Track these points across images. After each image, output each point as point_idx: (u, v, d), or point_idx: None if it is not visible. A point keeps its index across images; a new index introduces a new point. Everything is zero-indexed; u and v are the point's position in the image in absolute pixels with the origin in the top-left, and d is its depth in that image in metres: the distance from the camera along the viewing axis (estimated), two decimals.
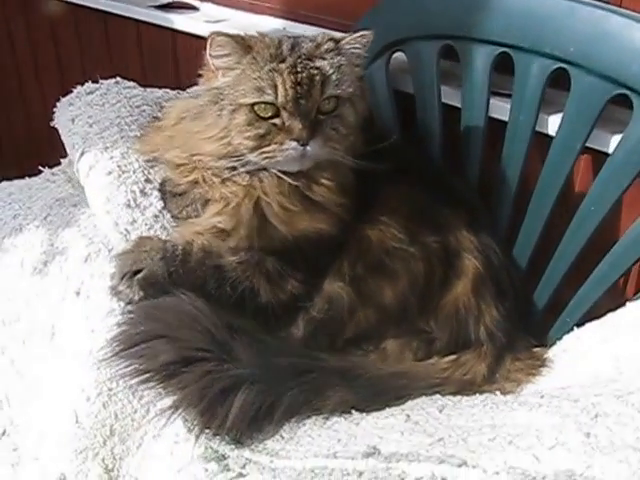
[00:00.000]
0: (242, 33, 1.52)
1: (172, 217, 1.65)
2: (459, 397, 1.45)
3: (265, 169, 1.51)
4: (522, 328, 1.72)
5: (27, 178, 1.96)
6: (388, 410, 1.41)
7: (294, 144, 1.45)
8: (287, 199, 1.51)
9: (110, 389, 1.49)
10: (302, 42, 1.53)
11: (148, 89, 1.96)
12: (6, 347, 1.71)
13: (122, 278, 1.48)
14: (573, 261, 1.75)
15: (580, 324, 1.67)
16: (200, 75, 1.57)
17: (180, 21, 2.56)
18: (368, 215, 1.59)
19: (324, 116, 1.49)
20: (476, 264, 1.62)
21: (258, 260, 1.52)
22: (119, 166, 1.69)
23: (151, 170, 1.71)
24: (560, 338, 1.70)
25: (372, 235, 1.58)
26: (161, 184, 1.69)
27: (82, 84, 1.88)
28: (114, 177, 1.67)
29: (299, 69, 1.46)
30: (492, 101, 1.85)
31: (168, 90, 1.98)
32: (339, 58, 1.52)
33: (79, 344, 1.53)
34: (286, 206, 1.51)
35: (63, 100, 1.91)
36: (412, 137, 1.90)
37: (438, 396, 1.46)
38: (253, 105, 1.46)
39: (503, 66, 1.82)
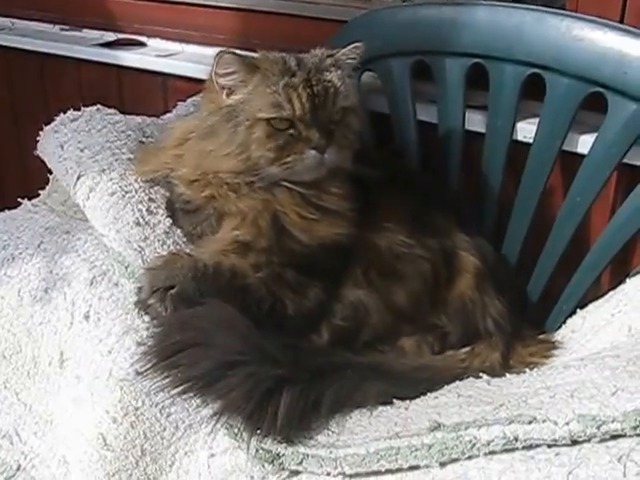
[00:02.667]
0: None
1: (184, 235, 1.66)
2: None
3: (277, 184, 1.54)
4: (523, 318, 1.79)
5: (6, 211, 1.92)
6: (433, 394, 1.44)
7: (313, 152, 1.50)
8: (303, 209, 1.55)
9: (136, 408, 1.47)
10: (305, 58, 1.58)
11: (127, 115, 1.97)
12: (9, 380, 1.67)
13: (153, 292, 1.47)
14: (563, 252, 1.81)
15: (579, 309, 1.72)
16: (165, 102, 1.63)
17: (127, 57, 2.53)
18: (371, 222, 1.63)
19: (335, 125, 1.55)
20: (475, 261, 1.69)
21: (279, 273, 1.53)
22: (120, 187, 1.70)
23: (152, 190, 1.72)
24: (560, 325, 1.77)
25: (381, 242, 1.62)
26: (167, 202, 1.71)
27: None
28: (118, 197, 1.68)
29: (314, 82, 1.52)
30: (468, 114, 1.89)
31: (146, 117, 2.00)
32: (340, 71, 1.58)
33: (96, 367, 1.50)
34: (304, 215, 1.54)
35: (46, 128, 1.90)
36: (390, 152, 1.96)
37: (471, 378, 1.49)
38: (269, 119, 1.50)
39: (476, 80, 1.87)
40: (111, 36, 2.64)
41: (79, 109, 1.90)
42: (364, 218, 1.61)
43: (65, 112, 1.91)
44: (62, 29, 2.77)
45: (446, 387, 1.46)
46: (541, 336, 1.77)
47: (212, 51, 1.55)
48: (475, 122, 1.92)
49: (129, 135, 1.89)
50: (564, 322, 1.75)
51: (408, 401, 1.43)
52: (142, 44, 2.58)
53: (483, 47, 1.83)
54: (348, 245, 1.58)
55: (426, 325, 1.66)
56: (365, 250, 1.61)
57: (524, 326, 1.77)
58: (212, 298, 1.45)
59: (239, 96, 1.54)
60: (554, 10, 1.78)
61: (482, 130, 1.88)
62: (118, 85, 2.65)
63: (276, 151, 1.50)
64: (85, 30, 2.73)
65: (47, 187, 1.93)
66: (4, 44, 2.80)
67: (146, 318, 1.50)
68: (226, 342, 1.41)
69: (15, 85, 2.93)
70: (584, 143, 1.78)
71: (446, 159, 1.94)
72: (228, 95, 1.55)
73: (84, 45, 2.63)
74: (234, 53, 1.52)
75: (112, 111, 1.95)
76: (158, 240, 1.63)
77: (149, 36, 2.58)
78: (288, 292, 1.53)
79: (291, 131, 1.51)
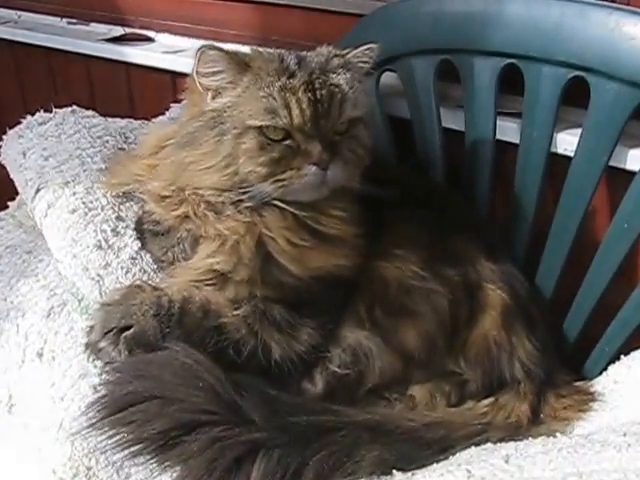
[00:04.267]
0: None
1: (154, 260, 1.48)
2: (516, 443, 1.25)
3: (267, 203, 1.36)
4: (557, 362, 1.60)
5: None
6: (440, 466, 1.21)
7: (314, 169, 1.31)
8: (294, 234, 1.36)
9: (89, 468, 1.26)
10: (307, 57, 1.40)
11: (109, 119, 1.77)
12: None
13: (105, 333, 1.31)
14: (607, 285, 1.61)
15: (622, 353, 1.56)
16: (175, 101, 1.47)
17: (135, 54, 2.39)
18: (380, 249, 1.45)
19: (340, 137, 1.37)
20: (502, 295, 1.50)
21: (264, 310, 1.37)
22: (84, 203, 1.52)
23: (122, 207, 1.55)
24: (600, 372, 1.59)
25: (388, 274, 1.44)
26: (137, 222, 1.54)
27: None
28: (79, 215, 1.49)
29: (317, 85, 1.34)
30: (499, 122, 1.71)
31: (132, 120, 1.80)
32: (350, 74, 1.40)
33: (46, 415, 1.31)
34: (294, 241, 1.36)
35: (10, 132, 1.71)
36: (411, 165, 1.77)
37: (489, 444, 1.28)
38: (262, 127, 1.32)
39: (509, 83, 1.70)
40: (119, 31, 2.51)
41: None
42: (372, 245, 1.44)
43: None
44: (69, 22, 2.66)
45: (457, 457, 1.24)
46: (578, 384, 1.58)
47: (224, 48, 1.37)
48: (508, 131, 1.73)
49: (106, 141, 1.69)
50: (605, 369, 1.57)
51: (410, 474, 1.21)
52: (150, 39, 2.45)
53: (518, 45, 1.64)
54: (350, 278, 1.41)
55: (442, 372, 1.48)
56: (370, 283, 1.44)
57: (558, 372, 1.58)
58: (177, 341, 1.29)
59: (226, 99, 1.36)
60: (600, 2, 1.58)
61: (515, 140, 1.70)
62: (127, 82, 2.52)
63: (269, 166, 1.32)
64: (93, 24, 2.61)
65: (17, 198, 1.75)
66: (10, 38, 2.70)
67: (98, 363, 1.31)
68: (189, 397, 1.23)
69: (24, 80, 2.84)
70: (634, 158, 1.59)
71: (473, 173, 1.77)
72: (213, 97, 1.37)
73: (91, 40, 2.50)
74: (219, 49, 1.34)
75: (89, 113, 1.75)
76: (122, 267, 1.45)
77: (157, 31, 2.45)
78: (274, 333, 1.36)
79: (287, 142, 1.33)
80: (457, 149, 1.78)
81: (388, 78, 1.86)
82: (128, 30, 2.51)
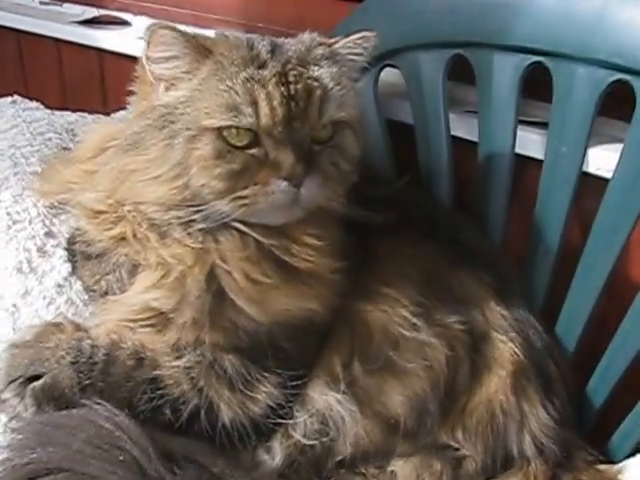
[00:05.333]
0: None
1: (85, 289, 1.30)
2: None
3: (226, 225, 1.17)
4: (578, 436, 1.40)
5: None
6: None
7: (284, 184, 1.11)
8: (256, 267, 1.17)
9: None
10: (284, 44, 1.21)
11: (57, 112, 1.58)
12: None
13: (10, 382, 1.13)
14: None
15: None
16: (130, 92, 1.24)
17: (108, 38, 2.21)
18: (364, 287, 1.26)
19: (320, 146, 1.17)
20: (513, 348, 1.30)
21: (212, 361, 1.18)
22: (9, 213, 1.35)
23: (55, 220, 1.38)
24: (632, 452, 1.39)
25: (372, 319, 1.25)
26: (69, 240, 1.35)
27: None
28: (1, 229, 1.33)
29: (291, 78, 1.14)
30: (520, 132, 1.51)
31: (85, 114, 1.60)
32: (337, 68, 1.20)
33: None
34: (255, 277, 1.16)
35: None
36: (412, 179, 1.53)
37: None
38: (222, 130, 1.12)
39: (534, 86, 1.51)
40: (93, 12, 2.34)
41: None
42: (354, 282, 1.25)
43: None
44: (41, 2, 2.49)
45: None
46: (602, 467, 1.37)
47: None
48: (530, 144, 1.53)
49: (48, 139, 1.50)
50: (637, 448, 1.39)
51: None
52: (126, 23, 2.25)
53: (547, 40, 1.43)
54: (324, 324, 1.23)
55: (432, 444, 1.28)
56: (349, 331, 1.25)
57: (578, 450, 1.37)
58: (98, 397, 1.11)
59: (180, 92, 1.16)
60: None
61: (539, 155, 1.51)
62: (100, 70, 2.36)
63: (228, 179, 1.12)
64: (66, 5, 2.44)
65: None
66: None
67: (2, 418, 1.12)
68: (104, 473, 1.04)
69: None
70: None
71: (486, 193, 1.57)
72: (167, 89, 1.17)
73: (61, 22, 2.33)
74: (174, 28, 1.13)
75: (33, 104, 1.57)
76: (44, 297, 1.27)
77: (135, 14, 2.29)
78: (224, 390, 1.17)
79: (253, 151, 1.12)
80: (468, 163, 1.60)
81: (389, 75, 1.67)
82: (103, 12, 2.33)
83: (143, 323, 1.18)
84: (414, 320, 1.25)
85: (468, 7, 1.51)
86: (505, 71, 1.49)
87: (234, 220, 1.15)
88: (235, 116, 1.11)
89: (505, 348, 1.30)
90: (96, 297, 1.27)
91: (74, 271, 1.32)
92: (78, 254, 1.30)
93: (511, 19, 1.45)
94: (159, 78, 1.17)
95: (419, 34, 1.57)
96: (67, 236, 1.34)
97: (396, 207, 1.32)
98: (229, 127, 1.11)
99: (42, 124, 1.55)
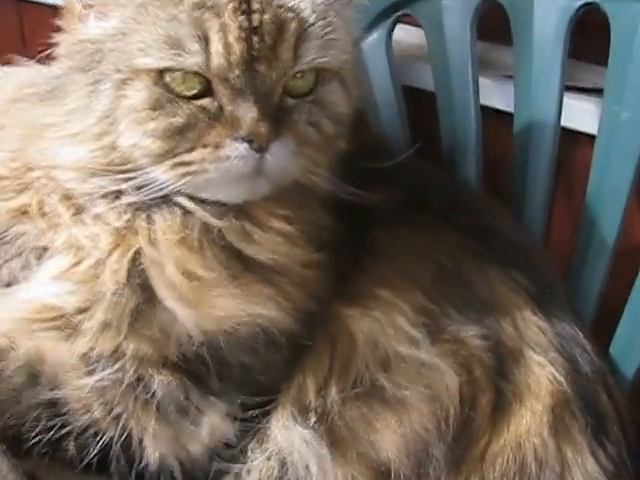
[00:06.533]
0: None
1: None
2: None
3: (166, 201, 0.97)
4: None
5: None
6: None
7: (243, 147, 0.91)
8: (195, 256, 0.97)
9: None
10: None
11: None
12: None
13: None
14: None
15: None
16: (57, 30, 1.01)
17: None
18: (354, 287, 1.06)
19: (295, 100, 0.98)
20: (553, 374, 1.08)
21: (136, 380, 0.98)
22: None
23: None
24: None
25: (358, 329, 1.04)
26: None
27: None
28: None
29: (255, 5, 0.93)
30: (567, 100, 1.32)
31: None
32: (323, 3, 0.99)
33: None
34: (191, 270, 0.96)
35: None
36: (430, 152, 1.39)
37: None
38: (162, 72, 0.92)
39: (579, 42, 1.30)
40: None
41: None
42: (339, 281, 1.05)
43: None
44: None
45: None
46: None
47: None
48: (580, 115, 1.37)
49: None
50: None
51: None
52: None
53: None
54: (294, 334, 1.01)
55: None
56: (329, 344, 1.04)
57: None
58: None
59: (111, 22, 0.96)
60: None
61: (591, 129, 1.33)
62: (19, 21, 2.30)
63: (167, 138, 0.93)
64: None
65: None
66: None
67: None
68: None
69: None
70: None
71: (523, 174, 1.38)
72: (98, 20, 0.97)
73: None
74: None
75: None
76: None
77: None
78: (151, 420, 0.97)
79: (203, 102, 0.93)
80: (501, 138, 1.45)
81: (404, 32, 1.52)
82: None
83: (43, 325, 0.98)
84: (414, 332, 1.03)
85: None
86: (548, 18, 1.30)
87: (177, 194, 0.95)
88: (178, 54, 0.90)
89: (543, 373, 1.08)
90: None
91: None
92: None
93: None
94: (88, 4, 0.97)
95: None
96: None
97: (405, 187, 1.12)
98: (170, 69, 0.91)
99: None
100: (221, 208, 0.97)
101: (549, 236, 1.42)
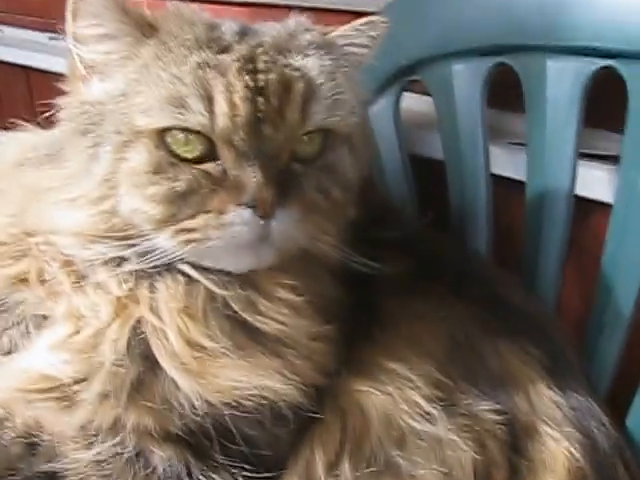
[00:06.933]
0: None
1: None
2: None
3: (170, 267, 0.93)
4: None
5: None
6: None
7: (247, 214, 0.87)
8: (199, 325, 0.92)
9: None
10: (259, 28, 0.98)
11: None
12: None
13: None
14: None
15: None
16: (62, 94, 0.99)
17: None
18: (364, 359, 1.01)
19: (302, 166, 0.93)
20: (569, 449, 1.02)
21: (137, 454, 0.92)
22: None
23: None
24: None
25: (371, 404, 0.99)
26: None
27: None
28: None
29: (261, 65, 0.90)
30: (581, 168, 1.27)
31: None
32: (331, 60, 0.96)
33: None
34: (195, 339, 0.91)
35: None
36: (438, 224, 1.32)
37: None
38: (164, 134, 0.88)
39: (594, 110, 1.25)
40: None
41: None
42: (351, 352, 1.00)
43: None
44: (51, 38, 2.38)
45: None
46: None
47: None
48: (594, 182, 1.31)
49: None
50: None
51: None
52: None
53: (620, 37, 1.17)
54: (302, 408, 0.95)
55: None
56: (339, 419, 0.98)
57: None
58: None
59: (113, 84, 0.93)
60: None
61: (606, 198, 1.29)
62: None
63: (169, 203, 0.89)
64: None
65: None
66: None
67: None
68: None
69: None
70: None
71: (536, 243, 1.33)
72: (100, 81, 0.94)
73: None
74: None
75: None
76: None
77: None
78: None
79: (207, 166, 0.89)
80: (511, 206, 1.39)
81: (412, 102, 1.48)
82: None
83: (41, 396, 0.92)
84: (429, 407, 0.98)
85: (513, 2, 1.28)
86: (562, 82, 1.25)
87: (180, 261, 0.91)
88: (180, 113, 0.86)
89: (558, 449, 1.02)
90: None
91: None
92: None
93: (572, 13, 1.22)
94: (89, 66, 0.94)
95: (452, 39, 1.35)
96: None
97: (415, 256, 1.08)
98: (172, 129, 0.87)
99: None
100: (226, 277, 0.93)
101: (561, 307, 1.34)
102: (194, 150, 0.88)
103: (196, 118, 0.86)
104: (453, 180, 1.39)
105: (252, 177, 0.86)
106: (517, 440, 1.01)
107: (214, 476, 0.92)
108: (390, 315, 1.04)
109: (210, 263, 0.91)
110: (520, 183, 1.36)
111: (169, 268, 0.92)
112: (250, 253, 0.90)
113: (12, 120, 1.16)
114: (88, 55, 0.93)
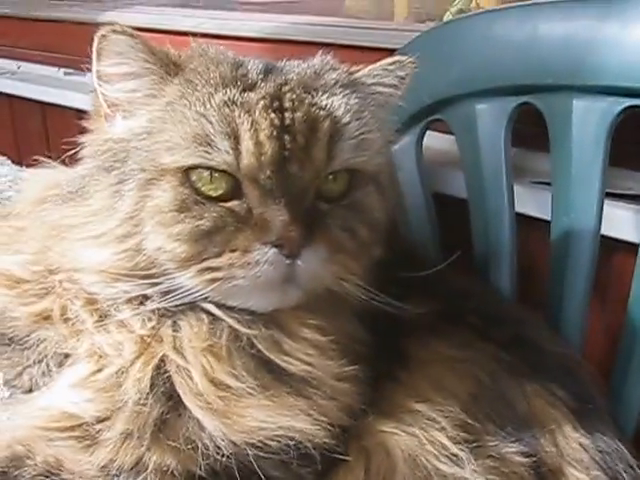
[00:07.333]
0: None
1: (4, 383, 1.00)
2: None
3: (192, 306, 0.91)
4: None
5: None
6: None
7: (272, 253, 0.85)
8: (223, 364, 0.89)
9: None
10: (285, 66, 0.98)
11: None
12: None
13: None
14: None
15: None
16: (81, 132, 0.99)
17: None
18: (389, 401, 0.98)
19: (327, 205, 0.92)
20: None
21: None
22: None
23: None
24: None
25: (396, 445, 0.94)
26: None
27: None
28: None
29: (287, 104, 0.89)
30: (607, 207, 1.25)
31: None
32: (357, 100, 0.95)
33: None
34: (220, 379, 0.88)
35: None
36: (462, 264, 1.26)
37: None
38: (189, 172, 0.87)
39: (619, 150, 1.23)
40: None
41: None
42: (376, 394, 0.96)
43: None
44: (66, 73, 2.46)
45: None
46: None
47: None
48: (620, 223, 1.28)
49: (7, 197, 1.31)
50: None
51: None
52: None
53: None
54: (327, 449, 0.90)
55: None
56: (364, 460, 0.93)
57: None
58: None
59: (137, 122, 0.92)
60: None
61: (633, 239, 1.26)
62: None
63: (194, 241, 0.87)
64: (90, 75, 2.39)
65: None
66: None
67: None
68: None
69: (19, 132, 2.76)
70: None
71: (561, 283, 1.29)
72: (124, 118, 0.93)
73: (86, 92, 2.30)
74: (134, 34, 0.90)
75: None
76: None
77: None
78: None
79: (232, 204, 0.87)
80: (536, 246, 1.38)
81: (434, 141, 1.46)
82: None
83: (62, 435, 0.89)
84: (455, 449, 0.94)
85: (538, 42, 1.25)
86: (588, 122, 1.22)
87: (204, 300, 0.89)
88: (206, 151, 0.85)
89: None
90: (18, 395, 0.98)
91: None
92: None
93: (597, 52, 1.19)
94: (113, 104, 0.93)
95: (475, 79, 1.32)
96: None
97: (438, 297, 1.05)
98: (197, 167, 0.86)
99: (3, 181, 1.39)
100: (250, 316, 0.91)
101: (587, 349, 1.30)
102: (219, 188, 0.86)
103: (222, 156, 0.85)
104: (476, 219, 1.37)
105: (278, 216, 0.84)
106: None
107: None
108: (415, 356, 1.02)
109: (234, 302, 0.89)
110: (544, 222, 1.33)
111: (192, 307, 0.90)
112: (275, 292, 0.88)
113: (35, 157, 1.14)
114: (113, 93, 0.92)
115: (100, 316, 0.91)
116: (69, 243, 0.93)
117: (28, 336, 0.97)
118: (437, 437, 0.94)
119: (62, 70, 2.44)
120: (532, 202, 1.36)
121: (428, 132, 1.40)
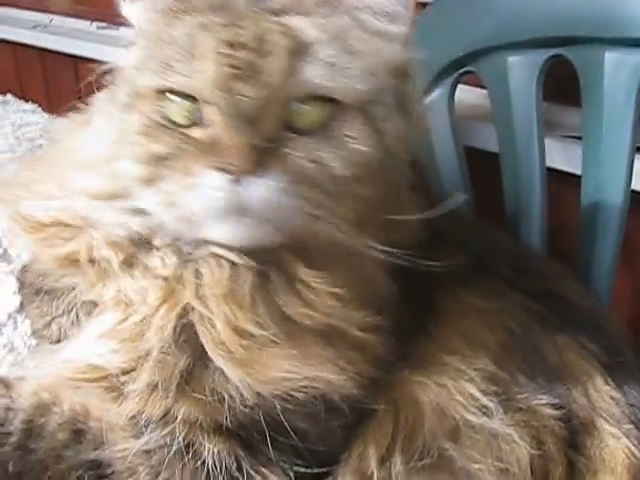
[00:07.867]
0: None
1: (33, 332, 1.02)
2: None
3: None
4: None
5: None
6: None
7: (217, 176, 0.78)
8: (248, 313, 0.84)
9: None
10: None
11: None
12: None
13: None
14: None
15: None
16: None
17: None
18: (418, 353, 0.95)
19: (296, 135, 0.82)
20: (628, 447, 0.96)
21: (187, 445, 0.87)
22: None
23: (17, 239, 1.08)
24: None
25: (424, 396, 0.93)
26: (23, 267, 1.06)
27: None
28: None
29: (244, 23, 0.81)
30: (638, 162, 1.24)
31: None
32: (342, 23, 0.86)
33: None
34: (243, 327, 0.84)
35: None
36: (493, 214, 1.34)
37: None
38: (160, 97, 0.84)
39: None
40: None
41: None
42: (405, 346, 0.93)
43: None
44: (99, 27, 2.46)
45: None
46: None
47: None
48: None
49: (39, 146, 1.33)
50: None
51: None
52: None
53: None
54: (354, 400, 0.88)
55: None
56: (393, 411, 0.92)
57: None
58: None
59: (134, 53, 0.89)
60: None
61: None
62: None
63: (148, 165, 0.83)
64: (122, 28, 2.39)
65: None
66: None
67: None
68: None
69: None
70: None
71: (591, 240, 1.29)
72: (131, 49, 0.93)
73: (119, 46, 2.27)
74: None
75: (29, 107, 1.48)
76: None
77: None
78: None
79: (191, 130, 0.82)
80: (567, 201, 1.37)
81: (467, 91, 1.46)
82: None
83: (90, 385, 0.89)
84: (485, 400, 0.92)
85: None
86: (620, 75, 1.21)
87: (207, 243, 0.85)
88: (165, 73, 0.82)
89: (617, 446, 0.97)
90: (45, 345, 0.98)
91: (22, 307, 1.04)
92: (27, 286, 1.02)
93: (630, 4, 1.19)
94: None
95: (507, 31, 1.31)
96: (22, 265, 1.07)
97: (469, 249, 1.02)
98: (164, 91, 0.82)
99: (34, 129, 1.37)
100: (261, 258, 0.86)
101: (615, 306, 1.31)
102: (184, 114, 0.82)
103: (176, 77, 0.81)
104: (507, 173, 1.36)
105: (227, 139, 0.79)
106: (575, 437, 0.97)
107: (264, 471, 0.87)
108: (444, 308, 1.00)
109: (200, 234, 0.84)
110: (575, 176, 1.32)
111: (213, 254, 0.86)
112: (231, 222, 0.81)
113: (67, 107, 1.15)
114: (134, 17, 0.89)
115: (125, 257, 0.88)
116: (72, 169, 0.93)
117: (57, 284, 0.95)
118: (466, 388, 0.93)
119: (95, 24, 2.43)
120: (563, 156, 1.36)
121: (460, 86, 1.38)
